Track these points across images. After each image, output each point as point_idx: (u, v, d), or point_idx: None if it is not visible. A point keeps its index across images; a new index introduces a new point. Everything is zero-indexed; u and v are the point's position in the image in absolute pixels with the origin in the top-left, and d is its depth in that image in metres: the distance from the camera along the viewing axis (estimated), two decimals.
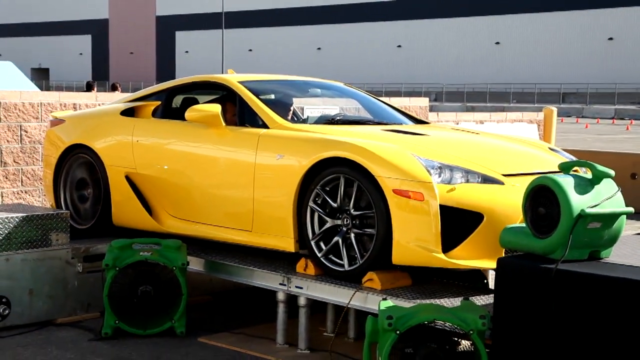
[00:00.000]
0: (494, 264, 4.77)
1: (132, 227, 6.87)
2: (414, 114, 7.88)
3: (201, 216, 6.39)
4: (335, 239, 5.47)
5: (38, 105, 8.56)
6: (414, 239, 5.08)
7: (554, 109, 12.45)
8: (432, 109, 13.15)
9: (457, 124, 11.15)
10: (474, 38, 68.87)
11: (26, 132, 8.49)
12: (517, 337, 4.42)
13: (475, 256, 5.12)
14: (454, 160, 5.33)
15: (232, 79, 6.69)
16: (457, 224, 5.10)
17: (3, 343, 5.85)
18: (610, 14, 62.76)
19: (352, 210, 5.39)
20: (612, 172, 4.46)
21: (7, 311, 6.11)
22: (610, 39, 62.93)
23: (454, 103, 56.55)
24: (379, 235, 5.21)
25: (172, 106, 7.10)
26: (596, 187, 4.42)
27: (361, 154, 5.29)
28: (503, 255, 4.95)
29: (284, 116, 6.30)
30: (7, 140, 8.37)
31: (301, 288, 5.64)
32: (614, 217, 4.43)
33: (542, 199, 4.42)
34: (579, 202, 4.31)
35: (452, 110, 44.68)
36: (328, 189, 5.52)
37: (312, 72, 49.56)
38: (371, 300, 5.20)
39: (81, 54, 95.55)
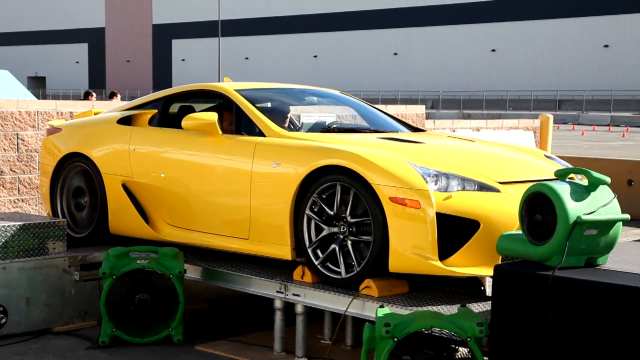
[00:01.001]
0: (490, 272, 4.78)
1: (128, 235, 6.87)
2: (410, 122, 7.89)
3: (198, 224, 6.39)
4: (332, 246, 5.48)
5: (35, 114, 8.56)
6: (411, 247, 5.09)
7: (550, 116, 12.46)
8: (428, 116, 13.21)
9: (454, 131, 11.18)
10: (470, 45, 68.94)
11: (23, 140, 8.49)
12: (515, 344, 4.43)
13: (472, 264, 5.12)
14: (450, 168, 5.34)
15: (229, 87, 6.70)
16: (454, 231, 5.11)
17: (0, 352, 5.84)
18: (605, 21, 62.87)
19: (348, 218, 5.40)
20: (608, 179, 4.48)
21: (4, 320, 6.11)
22: (606, 46, 63.02)
23: (450, 110, 56.62)
24: (375, 243, 5.22)
25: (168, 114, 7.10)
26: (592, 194, 4.43)
27: (358, 161, 5.30)
28: (500, 262, 4.96)
29: (281, 124, 6.31)
30: (4, 149, 8.37)
31: (298, 296, 5.64)
32: (610, 224, 4.44)
33: (539, 206, 4.43)
34: (575, 209, 4.32)
35: (449, 117, 44.76)
36: (325, 196, 5.52)
37: (309, 79, 49.60)
38: (368, 307, 5.21)
39: (78, 62, 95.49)
